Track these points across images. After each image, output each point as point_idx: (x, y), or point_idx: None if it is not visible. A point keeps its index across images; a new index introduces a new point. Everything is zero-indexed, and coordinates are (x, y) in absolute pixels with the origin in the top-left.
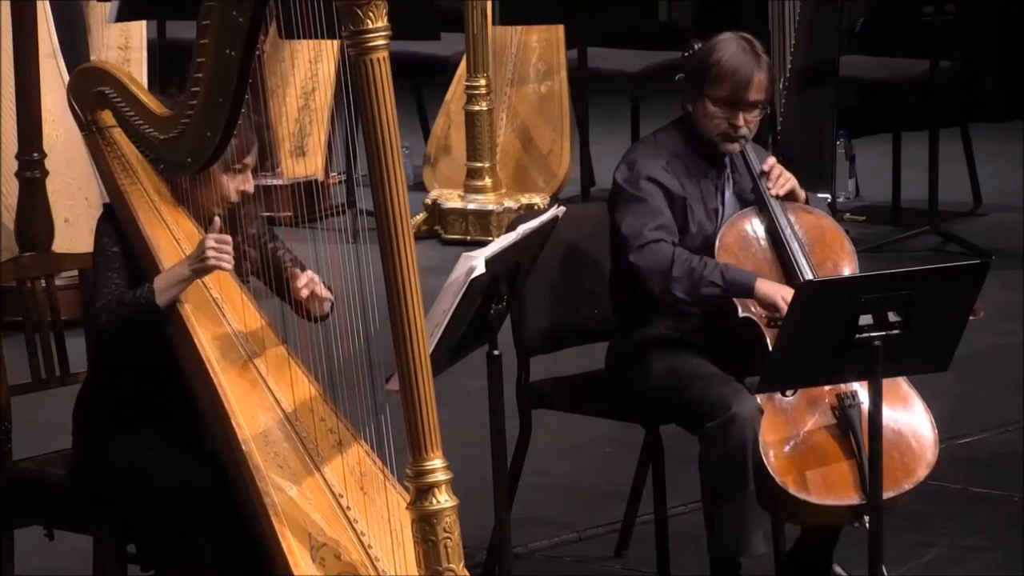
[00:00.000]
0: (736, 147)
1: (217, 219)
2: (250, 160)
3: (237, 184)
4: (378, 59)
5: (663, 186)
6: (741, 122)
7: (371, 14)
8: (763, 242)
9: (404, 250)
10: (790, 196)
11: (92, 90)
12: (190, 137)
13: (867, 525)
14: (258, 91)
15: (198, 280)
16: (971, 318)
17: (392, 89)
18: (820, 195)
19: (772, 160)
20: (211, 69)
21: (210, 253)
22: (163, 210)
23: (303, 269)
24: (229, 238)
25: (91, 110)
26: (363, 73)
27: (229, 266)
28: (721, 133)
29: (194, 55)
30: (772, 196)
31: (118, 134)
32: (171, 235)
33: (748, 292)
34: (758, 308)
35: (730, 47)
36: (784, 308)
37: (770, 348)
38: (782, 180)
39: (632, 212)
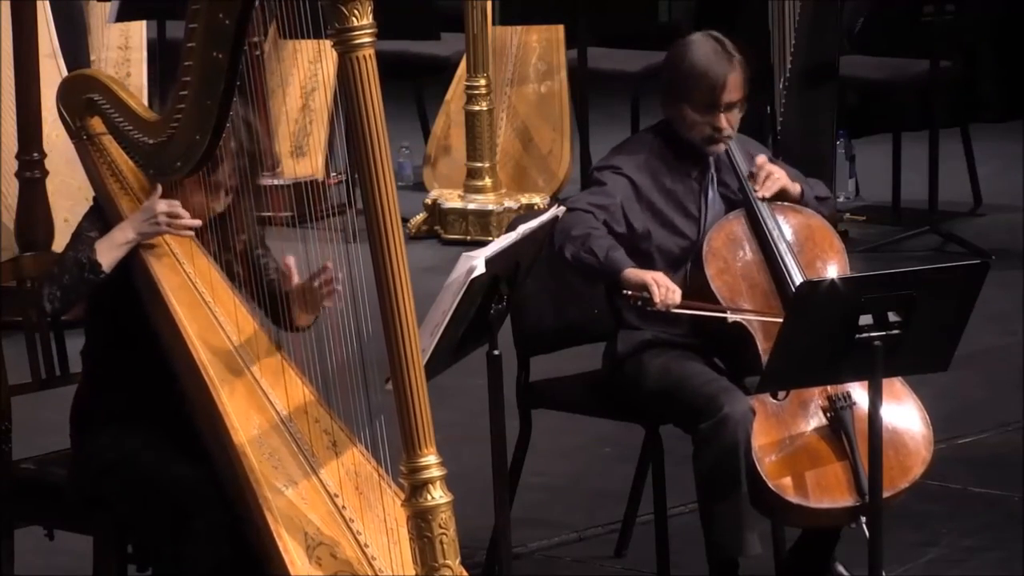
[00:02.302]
0: (722, 147)
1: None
2: (220, 178)
3: (209, 202)
4: (364, 56)
5: (632, 181)
6: (723, 123)
7: (356, 11)
8: (751, 244)
9: (394, 247)
10: (781, 196)
11: (81, 97)
12: (179, 141)
13: (864, 526)
14: (247, 93)
15: (189, 283)
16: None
17: (379, 86)
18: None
19: (762, 159)
20: (198, 72)
21: (161, 219)
22: None
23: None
24: (178, 203)
25: (80, 117)
26: (349, 71)
27: (188, 233)
28: (705, 137)
29: (181, 58)
30: (759, 198)
31: (108, 141)
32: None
33: (616, 273)
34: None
35: (700, 50)
36: (654, 287)
37: (760, 351)
38: (768, 182)
39: (587, 191)
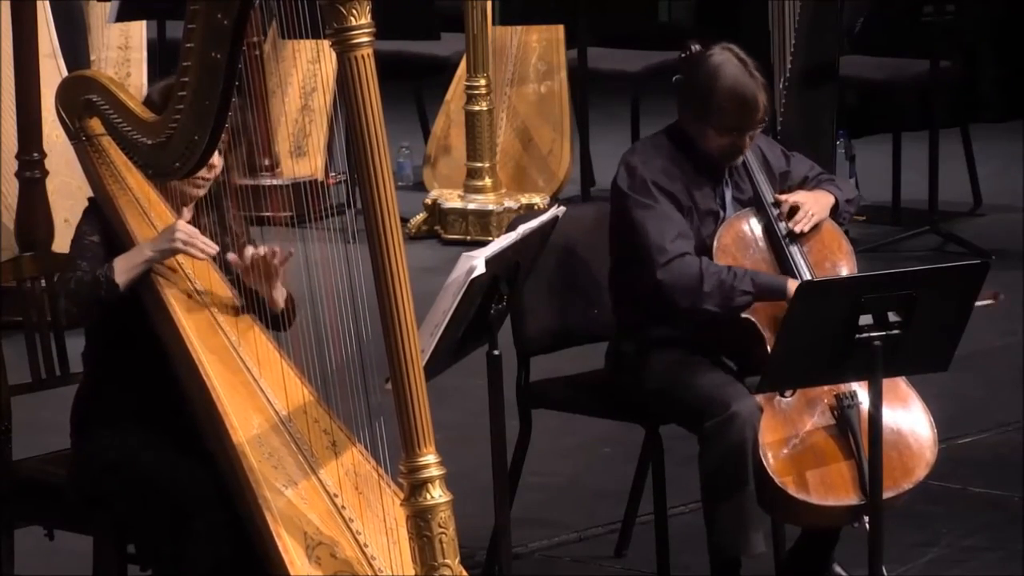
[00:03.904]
0: (739, 160)
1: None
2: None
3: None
4: (362, 56)
5: (665, 190)
6: (745, 143)
7: (354, 11)
8: (761, 243)
9: (393, 246)
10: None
11: (80, 98)
12: (178, 141)
13: (866, 525)
14: (245, 92)
15: (189, 284)
16: (987, 303)
17: (377, 86)
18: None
19: (792, 201)
20: (197, 72)
21: (179, 236)
22: (152, 215)
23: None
24: (196, 230)
25: (79, 118)
26: (348, 71)
27: (200, 255)
28: (724, 154)
29: (179, 58)
30: (795, 231)
31: (107, 142)
32: None
33: (781, 294)
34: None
35: (730, 72)
36: None
37: (769, 349)
38: (806, 219)
39: (648, 221)
